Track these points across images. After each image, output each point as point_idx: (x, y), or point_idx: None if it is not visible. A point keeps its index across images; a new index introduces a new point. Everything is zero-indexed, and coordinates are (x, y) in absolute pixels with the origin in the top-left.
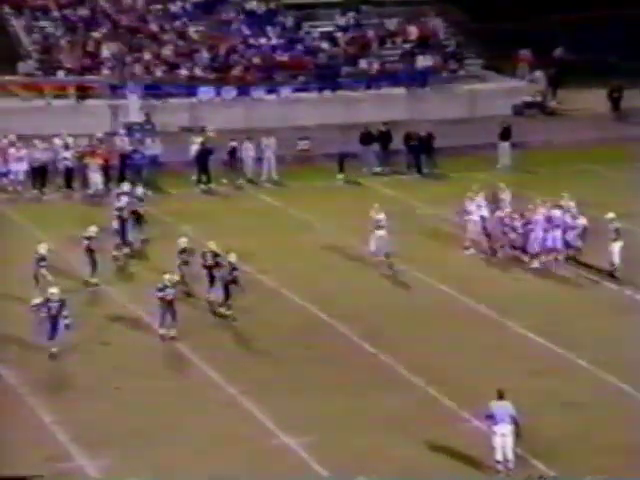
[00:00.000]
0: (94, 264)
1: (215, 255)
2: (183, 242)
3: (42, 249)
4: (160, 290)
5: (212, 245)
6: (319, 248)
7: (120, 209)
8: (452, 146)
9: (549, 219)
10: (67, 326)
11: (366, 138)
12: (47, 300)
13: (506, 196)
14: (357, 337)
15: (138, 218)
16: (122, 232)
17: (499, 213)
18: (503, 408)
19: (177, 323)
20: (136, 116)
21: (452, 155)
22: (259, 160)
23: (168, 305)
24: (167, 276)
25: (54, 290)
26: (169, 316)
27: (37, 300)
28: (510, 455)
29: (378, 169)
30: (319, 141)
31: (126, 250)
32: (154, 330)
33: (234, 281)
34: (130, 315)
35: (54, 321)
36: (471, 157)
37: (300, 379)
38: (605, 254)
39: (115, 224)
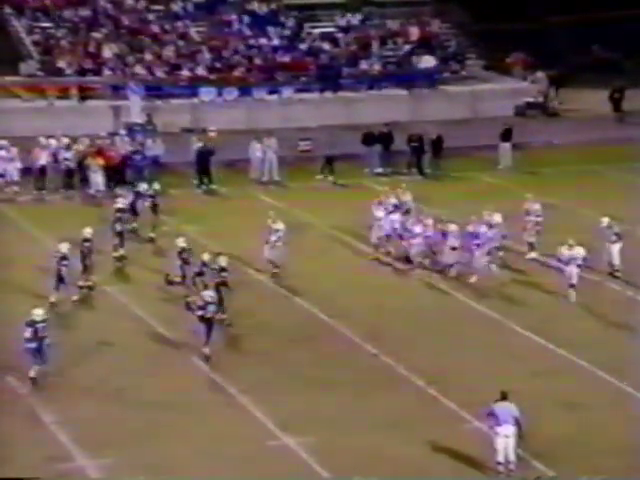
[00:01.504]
0: (90, 267)
1: (203, 264)
2: (181, 242)
3: (64, 248)
4: (201, 308)
5: (205, 256)
6: (320, 248)
7: (120, 210)
8: (453, 147)
9: (476, 235)
10: (48, 346)
11: (368, 139)
12: (33, 322)
13: (407, 198)
14: (358, 337)
15: (155, 212)
16: (121, 234)
17: (403, 219)
18: (506, 409)
19: (212, 341)
20: (137, 117)
21: (453, 156)
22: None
23: (207, 322)
24: (209, 292)
25: (39, 311)
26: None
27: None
28: (512, 457)
29: (380, 170)
30: (320, 142)
31: (122, 252)
32: (156, 331)
33: (223, 284)
34: (131, 315)
35: (40, 344)
36: (472, 158)
37: (300, 379)
38: (605, 255)
39: (118, 226)
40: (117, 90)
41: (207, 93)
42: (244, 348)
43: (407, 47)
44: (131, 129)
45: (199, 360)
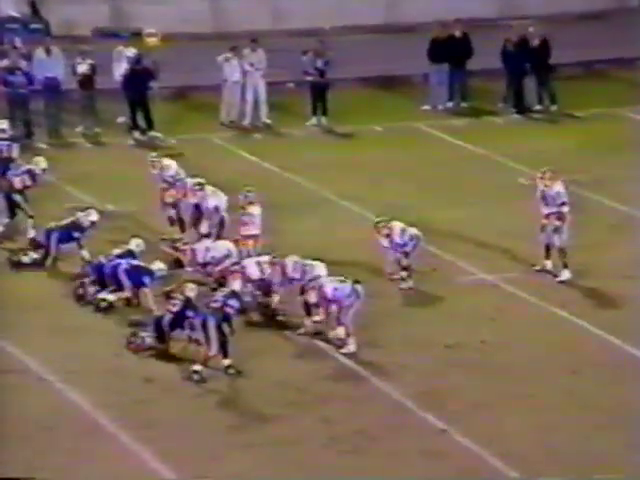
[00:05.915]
0: None
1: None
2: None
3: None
4: None
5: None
6: (338, 244)
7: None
8: (577, 62)
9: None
10: None
11: (437, 50)
12: None
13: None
14: (414, 403)
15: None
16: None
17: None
18: None
19: None
20: (12, 6)
21: (577, 79)
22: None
23: None
24: None
25: None
26: None
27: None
28: None
29: (449, 104)
30: (341, 56)
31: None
32: (54, 389)
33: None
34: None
35: None
36: (614, 81)
37: (319, 469)
38: None
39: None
40: None
41: None
42: (225, 425)
43: None
44: (2, 28)
45: (143, 445)
